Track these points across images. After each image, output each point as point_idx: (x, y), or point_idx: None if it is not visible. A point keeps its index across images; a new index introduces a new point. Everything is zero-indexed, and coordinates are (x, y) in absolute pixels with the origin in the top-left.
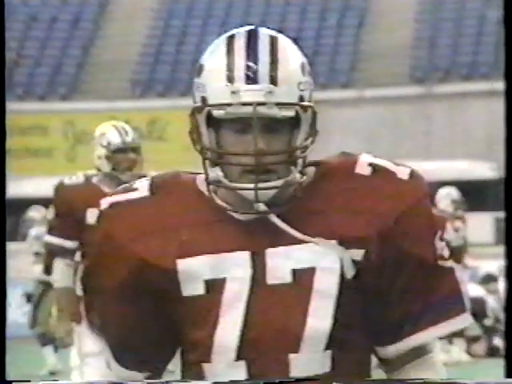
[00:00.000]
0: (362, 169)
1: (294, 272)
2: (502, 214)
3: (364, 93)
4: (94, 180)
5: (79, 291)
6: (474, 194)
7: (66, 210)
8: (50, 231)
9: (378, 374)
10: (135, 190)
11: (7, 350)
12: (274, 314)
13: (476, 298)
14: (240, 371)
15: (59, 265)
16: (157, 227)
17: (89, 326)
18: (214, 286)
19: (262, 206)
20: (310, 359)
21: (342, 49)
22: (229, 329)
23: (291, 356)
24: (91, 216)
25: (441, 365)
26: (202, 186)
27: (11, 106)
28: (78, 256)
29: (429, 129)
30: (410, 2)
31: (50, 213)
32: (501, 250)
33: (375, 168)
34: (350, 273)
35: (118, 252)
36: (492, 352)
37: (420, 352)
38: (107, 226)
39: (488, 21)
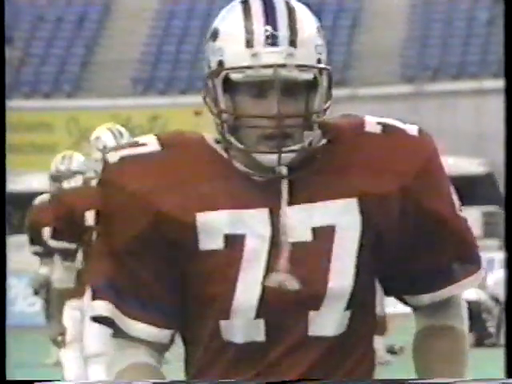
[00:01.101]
0: (372, 127)
1: (314, 230)
2: (489, 208)
3: (357, 91)
4: (93, 183)
5: (92, 253)
6: (462, 189)
7: (66, 213)
8: (52, 235)
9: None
10: (144, 144)
11: (14, 338)
12: (295, 273)
13: None
14: (259, 328)
15: (60, 267)
16: (173, 181)
17: (98, 291)
18: (234, 242)
19: (284, 170)
20: (329, 318)
21: (336, 48)
22: (249, 286)
23: (311, 314)
24: (91, 218)
25: (465, 313)
26: (214, 144)
27: (17, 103)
28: (79, 256)
29: (419, 126)
30: (402, 3)
31: (50, 218)
32: (488, 243)
33: (384, 126)
34: (370, 230)
35: (134, 204)
36: (480, 342)
37: (447, 302)
38: (120, 179)
39: (477, 22)
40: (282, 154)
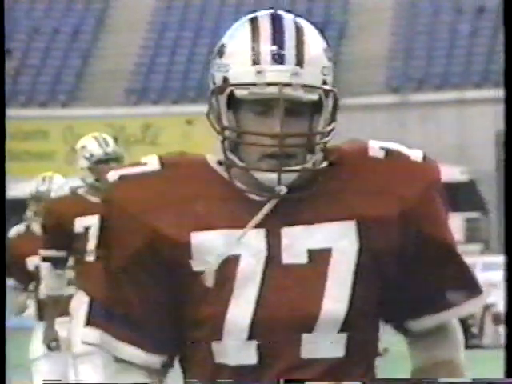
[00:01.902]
0: (375, 152)
1: (310, 252)
2: (471, 215)
3: (344, 101)
4: (80, 191)
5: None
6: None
7: (54, 222)
8: (42, 245)
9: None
10: (144, 164)
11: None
12: (289, 295)
13: None
14: (251, 351)
15: (50, 275)
16: (170, 200)
17: (92, 310)
18: (228, 263)
19: (284, 190)
20: (322, 341)
21: None
22: (242, 307)
23: (304, 336)
24: (79, 225)
25: (462, 344)
26: (214, 165)
27: (14, 112)
28: (70, 262)
29: (403, 135)
30: (387, 16)
31: (40, 228)
32: (471, 247)
33: (388, 151)
34: (368, 254)
35: (131, 223)
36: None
37: (445, 330)
38: (117, 197)
39: (459, 34)
40: (283, 174)
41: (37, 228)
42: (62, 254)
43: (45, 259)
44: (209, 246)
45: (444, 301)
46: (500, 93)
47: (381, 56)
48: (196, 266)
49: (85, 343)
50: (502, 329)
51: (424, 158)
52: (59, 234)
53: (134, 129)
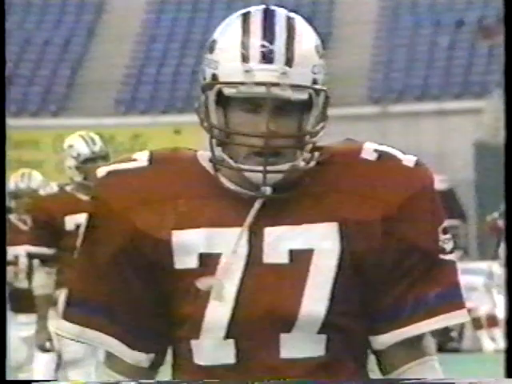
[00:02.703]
0: (368, 154)
1: (292, 253)
2: (451, 222)
3: (327, 112)
4: (68, 189)
5: (72, 265)
6: None
7: (44, 219)
8: (29, 241)
9: (377, 373)
10: (134, 160)
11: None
12: (268, 294)
13: None
14: (229, 350)
15: (40, 273)
16: (154, 197)
17: (75, 310)
18: (208, 261)
19: (268, 190)
20: (301, 340)
21: None
22: (220, 306)
23: (282, 336)
24: (71, 223)
25: (439, 369)
26: (204, 162)
27: (6, 121)
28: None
29: (385, 144)
30: (369, 29)
31: (27, 224)
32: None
33: (381, 154)
34: (349, 257)
35: (113, 220)
36: (443, 347)
37: (418, 353)
38: (103, 194)
39: (438, 47)
40: (270, 175)
41: (17, 223)
42: (51, 251)
43: (33, 256)
44: (189, 244)
45: (415, 312)
46: (478, 103)
47: (363, 68)
48: (178, 265)
49: (60, 335)
50: (481, 333)
51: (417, 162)
52: (49, 231)
53: (124, 138)
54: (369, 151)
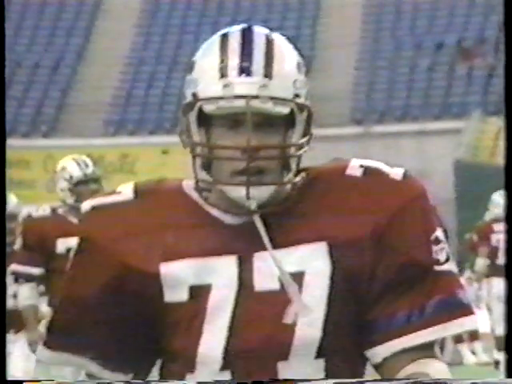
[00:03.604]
0: (353, 170)
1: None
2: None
3: (311, 129)
4: (60, 211)
5: (55, 304)
6: None
7: (36, 240)
8: (17, 260)
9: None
10: (119, 193)
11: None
12: (262, 322)
13: None
14: (225, 381)
15: (25, 287)
16: (140, 230)
17: (60, 340)
18: (199, 292)
19: (253, 204)
20: (299, 367)
21: None
22: (214, 338)
23: (280, 364)
24: (62, 246)
25: (442, 368)
26: (189, 190)
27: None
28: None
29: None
30: (351, 51)
31: (16, 243)
32: None
33: (367, 169)
34: (341, 276)
35: (99, 255)
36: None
37: (419, 355)
38: (88, 228)
39: (419, 68)
40: (255, 192)
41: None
42: (36, 270)
43: (19, 275)
44: (178, 276)
45: (409, 323)
46: (458, 124)
47: (345, 89)
48: (167, 298)
49: (40, 362)
50: (462, 346)
51: (405, 175)
52: (38, 253)
53: (112, 158)
54: (354, 167)
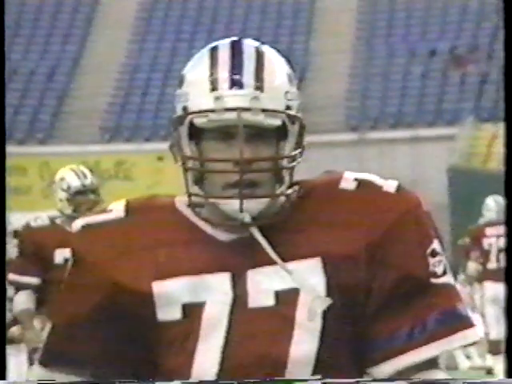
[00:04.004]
0: (347, 184)
1: (277, 294)
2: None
3: (305, 139)
4: (58, 221)
5: (47, 323)
6: None
7: (33, 250)
8: (14, 270)
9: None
10: (110, 211)
11: None
12: (257, 340)
13: None
14: None
15: (21, 294)
16: (131, 248)
17: (53, 360)
18: (192, 311)
19: (247, 217)
20: None
21: None
22: (208, 357)
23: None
24: (59, 256)
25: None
26: (182, 207)
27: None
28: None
29: (361, 170)
30: (345, 58)
31: (13, 252)
32: None
33: (360, 182)
34: (336, 292)
35: (91, 275)
36: None
37: (424, 368)
38: (78, 248)
39: (412, 75)
40: (249, 205)
41: None
42: (32, 280)
43: (16, 285)
44: (172, 295)
45: (411, 340)
46: (451, 130)
47: (339, 96)
48: (160, 316)
49: (32, 380)
50: (457, 351)
51: (398, 187)
52: (36, 263)
53: (108, 165)
54: (348, 180)
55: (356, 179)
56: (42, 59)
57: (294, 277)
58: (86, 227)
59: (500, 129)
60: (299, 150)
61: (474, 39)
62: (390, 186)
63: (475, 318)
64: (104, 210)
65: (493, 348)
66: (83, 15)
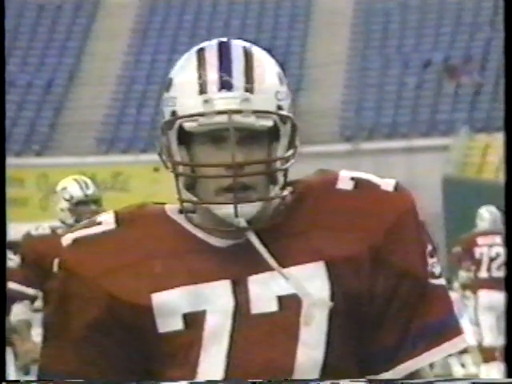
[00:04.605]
0: (344, 184)
1: (280, 299)
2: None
3: (301, 149)
4: (60, 231)
5: (42, 340)
6: None
7: (34, 259)
8: (13, 279)
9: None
10: (99, 223)
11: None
12: (261, 347)
13: None
14: None
15: (18, 305)
16: (127, 260)
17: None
18: (194, 320)
19: (242, 222)
20: None
21: None
22: (212, 366)
23: None
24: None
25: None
26: (174, 215)
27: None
28: (39, 303)
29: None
30: (339, 69)
31: (14, 261)
32: None
33: (358, 182)
34: (341, 295)
35: (85, 290)
36: None
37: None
38: (70, 263)
39: (406, 86)
40: (243, 209)
41: None
42: (30, 291)
43: (12, 292)
44: (171, 305)
45: (416, 345)
46: (445, 141)
47: (334, 107)
48: (161, 328)
49: None
50: (451, 359)
51: (396, 186)
52: (35, 272)
53: (105, 176)
54: (345, 180)
55: (353, 178)
56: (39, 71)
57: (291, 282)
58: (77, 241)
59: (494, 139)
60: (292, 151)
61: (467, 50)
62: (388, 184)
63: (465, 323)
64: (93, 223)
65: (487, 356)
66: (80, 27)
